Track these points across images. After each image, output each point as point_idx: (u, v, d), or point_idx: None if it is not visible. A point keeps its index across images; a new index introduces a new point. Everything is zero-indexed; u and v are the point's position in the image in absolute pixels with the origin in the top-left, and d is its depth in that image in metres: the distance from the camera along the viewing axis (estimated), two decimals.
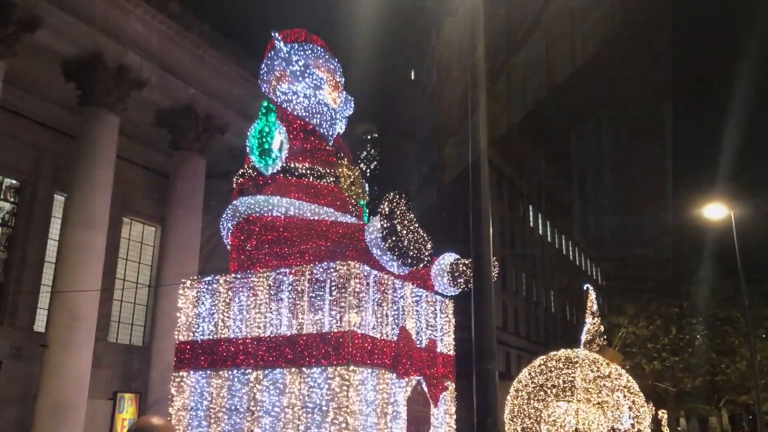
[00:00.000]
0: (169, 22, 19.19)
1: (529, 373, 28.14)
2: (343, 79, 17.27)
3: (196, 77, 20.76)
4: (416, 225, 13.23)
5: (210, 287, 13.95)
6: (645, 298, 32.51)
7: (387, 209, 12.75)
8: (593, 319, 41.44)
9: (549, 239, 73.88)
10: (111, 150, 17.98)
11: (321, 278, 12.75)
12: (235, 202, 14.64)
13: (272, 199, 14.14)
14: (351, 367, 12.09)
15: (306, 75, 15.88)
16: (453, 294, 15.91)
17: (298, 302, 12.88)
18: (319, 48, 16.65)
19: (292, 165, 14.83)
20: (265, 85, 16.40)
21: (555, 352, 28.97)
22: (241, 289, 13.52)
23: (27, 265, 21.52)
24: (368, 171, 57.88)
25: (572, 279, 72.64)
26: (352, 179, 15.66)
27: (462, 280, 15.24)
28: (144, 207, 25.95)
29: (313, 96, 15.92)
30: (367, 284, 13.08)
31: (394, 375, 13.44)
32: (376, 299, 13.29)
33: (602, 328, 37.13)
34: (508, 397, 27.78)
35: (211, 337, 13.52)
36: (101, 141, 17.65)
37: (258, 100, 16.23)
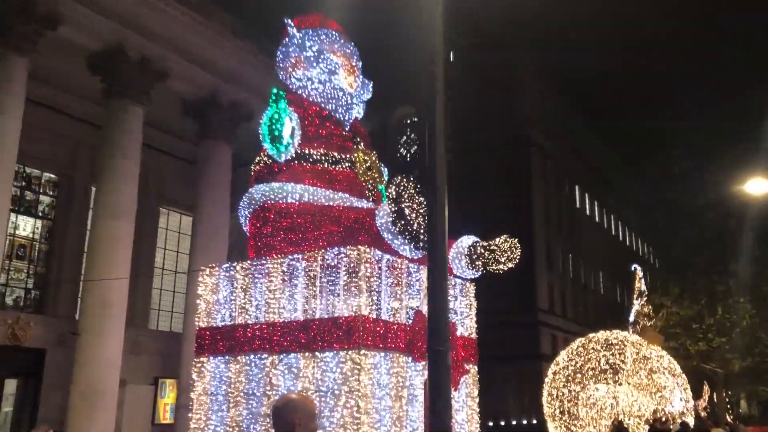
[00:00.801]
0: (190, 12, 19.45)
1: (567, 356, 27.77)
2: (360, 63, 17.17)
3: (220, 66, 21.00)
4: (426, 208, 13.12)
5: (228, 274, 14.17)
6: (690, 278, 31.59)
7: (394, 193, 12.69)
8: (641, 300, 40.66)
9: (597, 219, 72.29)
10: (137, 141, 18.39)
11: (333, 263, 12.80)
12: (251, 189, 14.79)
13: (287, 186, 14.22)
14: (362, 351, 12.13)
15: (320, 60, 15.86)
16: (472, 277, 15.77)
17: (310, 287, 12.98)
18: (334, 33, 16.59)
19: (307, 151, 14.86)
20: (281, 72, 16.45)
21: (594, 334, 28.50)
22: (256, 275, 13.69)
23: (67, 256, 22.28)
24: (408, 155, 57.75)
25: (622, 259, 70.99)
26: (368, 164, 15.58)
27: (480, 263, 15.07)
28: (181, 197, 26.45)
29: (328, 81, 15.89)
30: (380, 269, 13.07)
31: (410, 359, 13.45)
32: (389, 283, 13.27)
33: (649, 310, 36.39)
34: (546, 380, 27.53)
35: (229, 323, 13.75)
36: (127, 132, 18.05)
37: (283, 88, 16.33)
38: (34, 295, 22.58)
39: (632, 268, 55.96)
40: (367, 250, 12.71)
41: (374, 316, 12.57)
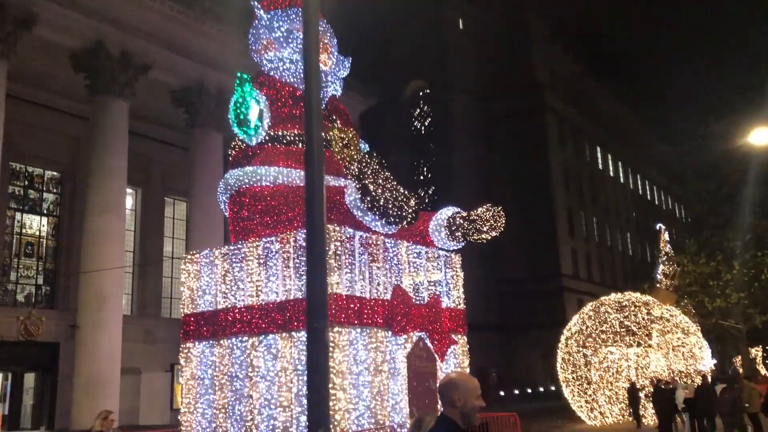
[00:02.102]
0: (169, 2, 19.44)
1: (578, 321, 27.59)
2: (335, 40, 17.01)
3: (204, 54, 20.95)
4: (394, 183, 13.04)
5: (208, 260, 14.32)
6: (706, 234, 30.91)
7: (356, 170, 12.63)
8: (666, 258, 40.02)
9: (622, 179, 71.08)
10: (123, 136, 18.57)
11: (305, 244, 12.83)
12: (226, 175, 14.87)
13: (260, 170, 14.24)
14: (336, 329, 12.20)
15: (290, 40, 15.75)
16: (455, 248, 15.68)
17: (285, 269, 13.05)
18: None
19: (281, 133, 14.84)
20: (254, 55, 16.40)
21: (606, 297, 28.23)
22: (234, 260, 13.81)
23: (73, 251, 22.74)
24: (422, 128, 57.38)
25: (650, 218, 69.83)
26: (345, 141, 15.50)
27: (460, 234, 14.98)
28: (185, 186, 26.74)
29: (299, 61, 15.79)
30: (352, 246, 13.08)
31: (389, 333, 13.49)
32: (364, 260, 13.27)
33: (672, 269, 35.79)
34: (559, 345, 27.40)
35: (211, 308, 13.93)
36: (113, 128, 18.25)
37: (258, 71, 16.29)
38: (45, 291, 23.19)
39: (657, 227, 55.13)
40: (337, 228, 12.71)
41: (347, 294, 12.59)
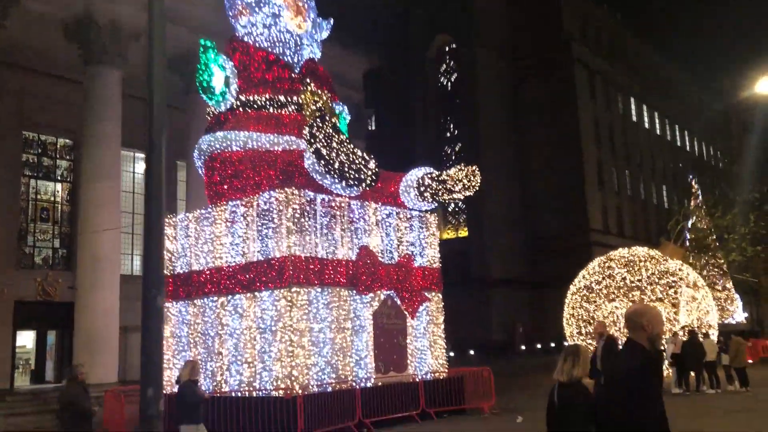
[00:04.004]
0: None
1: (583, 276, 27.51)
2: (312, 2, 17.08)
3: None
4: (350, 146, 13.23)
5: (183, 224, 14.90)
6: (723, 187, 30.24)
7: (308, 134, 12.86)
8: (698, 212, 39.25)
9: (658, 131, 69.05)
10: (116, 104, 19.03)
11: (265, 207, 13.24)
12: (199, 140, 15.31)
13: (230, 135, 14.60)
14: (293, 289, 12.65)
15: (262, 5, 15.89)
16: (427, 208, 15.86)
17: (249, 232, 13.51)
18: None
19: (252, 98, 15.11)
20: (232, 20, 16.61)
21: (614, 252, 28.00)
22: (205, 223, 14.33)
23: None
24: (448, 85, 56.67)
25: (688, 169, 67.87)
26: (319, 104, 15.71)
27: (428, 194, 15.14)
28: (189, 149, 27.11)
29: (273, 25, 15.95)
30: (313, 208, 13.41)
31: (354, 292, 13.88)
32: (325, 222, 13.60)
33: (701, 219, 35.11)
34: (566, 301, 27.44)
35: (186, 270, 14.54)
36: (105, 96, 18.74)
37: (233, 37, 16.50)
38: (62, 254, 24.33)
39: (689, 178, 53.74)
40: (295, 192, 13.05)
41: (307, 255, 12.98)
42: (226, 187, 14.53)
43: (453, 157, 56.52)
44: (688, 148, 75.40)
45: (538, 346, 44.88)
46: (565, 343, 25.89)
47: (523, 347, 45.25)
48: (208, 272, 13.97)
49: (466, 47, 55.58)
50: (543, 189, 54.58)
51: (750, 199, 28.13)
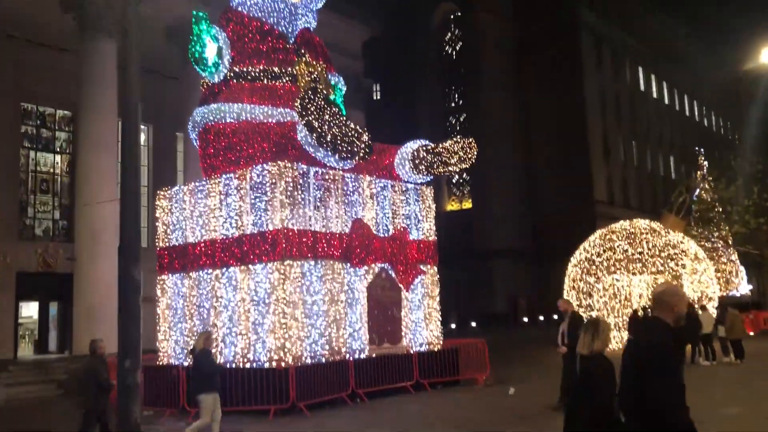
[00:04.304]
0: None
1: (584, 248, 27.47)
2: None
3: None
4: (342, 119, 13.11)
5: (178, 196, 14.88)
6: (726, 159, 29.97)
7: (299, 106, 12.75)
8: (704, 184, 39.02)
9: (667, 101, 68.25)
10: (112, 74, 18.90)
11: (259, 180, 13.19)
12: (194, 112, 15.21)
13: (224, 107, 14.50)
14: (287, 262, 12.67)
15: None
16: (423, 181, 15.77)
17: (242, 205, 13.48)
18: None
19: (246, 69, 14.97)
20: None
21: (615, 225, 27.89)
22: (199, 196, 14.31)
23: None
24: (453, 53, 56.05)
25: (697, 140, 67.18)
26: (314, 75, 15.55)
27: (423, 167, 15.04)
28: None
29: None
30: (306, 181, 13.36)
31: (348, 265, 13.88)
32: (319, 195, 13.55)
33: (706, 194, 34.87)
34: (567, 273, 27.45)
35: (181, 242, 14.56)
36: (100, 66, 18.61)
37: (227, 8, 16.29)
38: (62, 225, 24.42)
39: (696, 150, 53.25)
40: (288, 164, 12.98)
41: (300, 228, 12.97)
42: (220, 159, 14.49)
43: (457, 128, 56.17)
44: (697, 118, 74.58)
45: (541, 318, 45.02)
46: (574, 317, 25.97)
47: (525, 319, 45.45)
48: (202, 245, 13.99)
49: (471, 14, 54.85)
50: (548, 160, 54.25)
51: (753, 171, 27.83)
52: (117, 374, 5.21)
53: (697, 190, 39.09)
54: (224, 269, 13.57)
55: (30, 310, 24.71)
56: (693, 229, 29.18)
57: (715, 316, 19.91)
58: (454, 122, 56.99)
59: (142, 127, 28.11)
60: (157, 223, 15.29)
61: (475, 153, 15.69)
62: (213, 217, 13.92)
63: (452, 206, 56.68)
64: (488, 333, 38.18)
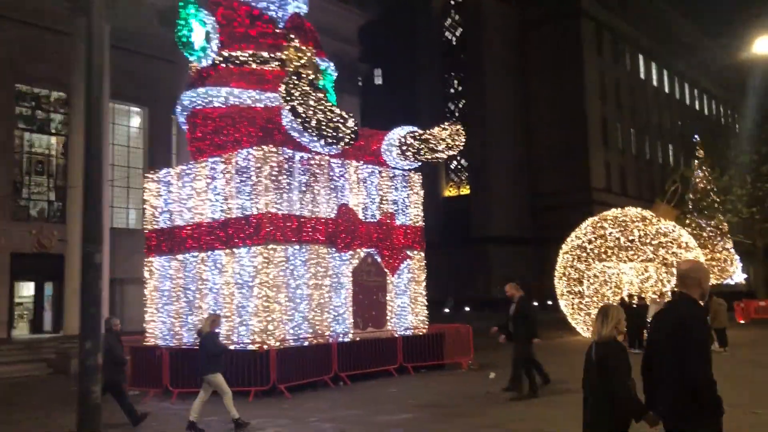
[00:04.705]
0: None
1: (576, 236, 27.58)
2: None
3: None
4: (328, 104, 13.18)
5: (165, 179, 14.99)
6: (721, 148, 29.98)
7: (284, 91, 12.82)
8: (701, 173, 39.00)
9: (667, 89, 68.02)
10: (103, 57, 18.89)
11: (244, 164, 13.30)
12: (182, 96, 15.28)
13: (211, 90, 14.57)
14: (270, 246, 12.81)
15: None
16: (410, 167, 15.85)
17: (228, 188, 13.60)
18: None
19: (234, 53, 15.03)
20: None
21: (606, 212, 27.99)
22: (186, 179, 14.42)
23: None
24: (453, 39, 55.79)
25: (699, 129, 67.00)
26: (303, 61, 15.57)
27: (410, 153, 15.12)
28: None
29: None
30: (291, 166, 13.46)
31: (333, 249, 14.02)
32: (304, 180, 13.65)
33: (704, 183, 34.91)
34: (558, 260, 27.58)
35: (168, 225, 14.70)
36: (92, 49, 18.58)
37: None
38: (57, 206, 24.56)
39: (693, 139, 53.03)
40: (273, 149, 13.08)
41: (285, 213, 13.09)
42: (207, 143, 14.57)
43: (457, 114, 56.11)
44: (698, 107, 74.37)
45: (535, 303, 45.18)
46: (560, 302, 26.10)
47: None
48: (189, 228, 14.12)
49: None
50: (546, 146, 54.25)
51: (747, 160, 27.85)
52: (78, 355, 5.36)
53: (693, 180, 39.22)
54: (210, 252, 13.71)
55: (26, 290, 24.96)
56: (688, 218, 29.23)
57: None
58: (453, 108, 56.92)
59: (137, 109, 28.18)
60: (144, 206, 15.43)
61: (464, 139, 15.76)
62: (199, 201, 14.03)
63: (450, 192, 56.76)
64: (482, 318, 38.40)
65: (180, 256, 14.31)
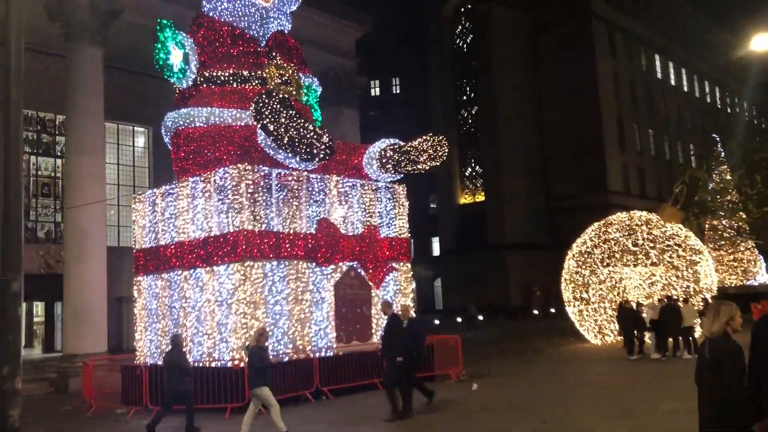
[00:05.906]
0: None
1: (583, 241, 27.29)
2: None
3: None
4: (301, 121, 13.29)
5: (150, 200, 15.25)
6: (731, 146, 29.46)
7: (254, 110, 12.96)
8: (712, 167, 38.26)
9: (686, 88, 66.99)
10: (97, 80, 19.35)
11: (221, 183, 13.47)
12: (165, 117, 15.55)
13: (193, 111, 14.82)
14: (246, 263, 12.93)
15: None
16: (392, 179, 15.88)
17: (207, 207, 13.78)
18: None
19: (216, 73, 15.26)
20: None
21: (612, 217, 27.67)
22: (170, 199, 14.65)
23: None
24: (464, 46, 55.73)
25: (719, 128, 65.83)
26: (285, 77, 15.76)
27: (390, 166, 15.17)
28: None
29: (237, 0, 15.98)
30: (268, 183, 13.59)
31: (313, 264, 14.09)
32: (282, 196, 13.77)
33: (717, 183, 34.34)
34: (564, 265, 27.30)
35: (154, 244, 14.94)
36: (86, 74, 19.03)
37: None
38: (62, 228, 25.08)
39: (712, 136, 52.12)
40: (248, 167, 13.23)
41: (261, 229, 13.21)
42: (190, 162, 14.81)
43: (470, 121, 56.01)
44: (719, 105, 73.15)
45: (552, 310, 44.80)
46: (567, 309, 25.82)
47: (536, 311, 45.26)
48: (173, 247, 14.33)
49: (482, 5, 54.52)
50: (561, 151, 53.78)
51: (757, 159, 27.32)
52: None
53: (706, 179, 38.48)
54: (192, 270, 13.90)
55: (35, 310, 25.50)
56: (693, 221, 28.73)
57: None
58: (466, 115, 56.79)
59: (142, 129, 28.64)
60: (133, 227, 15.70)
61: (447, 150, 15.76)
62: (182, 220, 14.24)
63: (466, 199, 56.54)
64: (493, 325, 38.16)
65: (165, 275, 14.52)
